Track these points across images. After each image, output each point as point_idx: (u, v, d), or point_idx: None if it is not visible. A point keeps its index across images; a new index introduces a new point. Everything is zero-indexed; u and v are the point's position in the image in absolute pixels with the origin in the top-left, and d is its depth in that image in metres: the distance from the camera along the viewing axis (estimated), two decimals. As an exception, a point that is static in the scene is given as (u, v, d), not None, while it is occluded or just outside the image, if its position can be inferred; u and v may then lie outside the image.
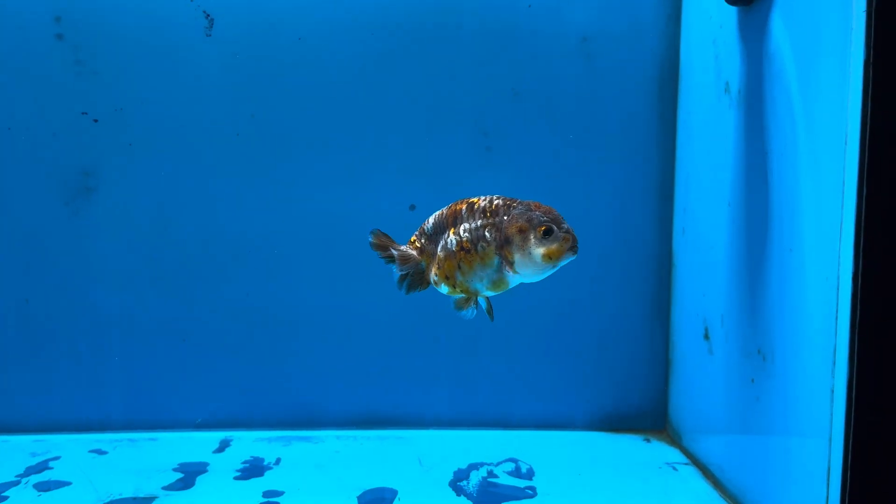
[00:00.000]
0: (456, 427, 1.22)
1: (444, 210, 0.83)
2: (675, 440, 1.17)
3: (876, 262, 0.66)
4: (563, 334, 1.23)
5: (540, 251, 0.75)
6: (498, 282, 0.79)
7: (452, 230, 0.81)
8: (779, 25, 0.84)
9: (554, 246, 0.75)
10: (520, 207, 0.78)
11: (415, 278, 0.85)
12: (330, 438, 1.18)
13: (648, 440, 1.19)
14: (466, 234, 0.79)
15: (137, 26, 1.16)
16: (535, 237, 0.76)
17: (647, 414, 1.23)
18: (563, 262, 0.76)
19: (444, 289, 0.83)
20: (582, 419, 1.23)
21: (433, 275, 0.83)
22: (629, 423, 1.23)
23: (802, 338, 0.76)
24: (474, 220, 0.79)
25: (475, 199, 0.81)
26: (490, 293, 0.81)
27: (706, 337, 1.04)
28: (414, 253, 0.85)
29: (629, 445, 1.17)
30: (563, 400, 1.23)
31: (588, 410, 1.24)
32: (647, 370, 1.23)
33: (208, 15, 1.17)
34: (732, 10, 0.95)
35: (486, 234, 0.78)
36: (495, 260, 0.78)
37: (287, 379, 1.22)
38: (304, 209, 1.20)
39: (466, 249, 0.79)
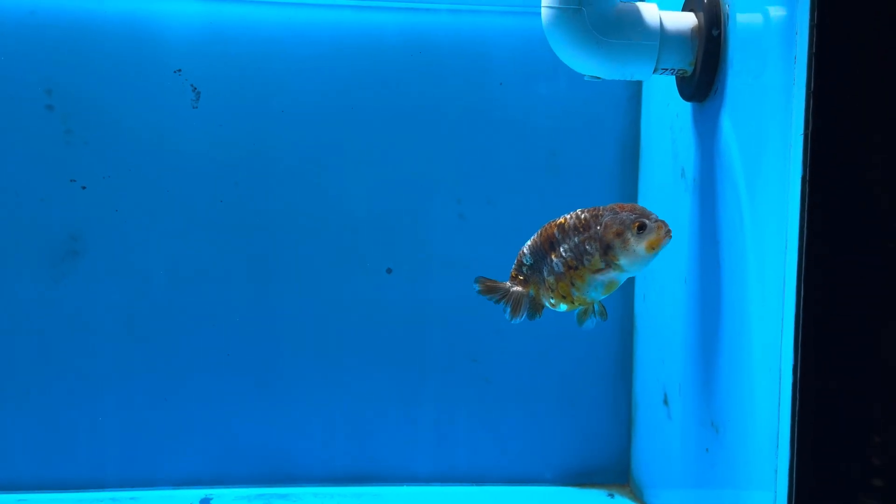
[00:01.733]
0: (431, 483, 1.27)
1: (536, 238, 0.91)
2: (636, 496, 1.24)
3: (812, 358, 0.73)
4: (532, 390, 1.29)
5: (642, 246, 0.84)
6: (610, 284, 0.88)
7: (553, 254, 0.88)
8: (727, 126, 0.91)
9: (652, 236, 0.84)
10: (607, 214, 0.86)
11: (531, 306, 0.93)
12: (308, 496, 1.22)
13: (612, 495, 1.25)
14: (569, 253, 0.87)
15: (126, 98, 1.21)
16: (632, 236, 0.84)
17: (611, 469, 1.29)
18: (663, 247, 0.85)
19: (562, 307, 0.90)
20: (550, 474, 1.29)
21: (550, 298, 0.90)
22: (594, 479, 1.29)
23: (749, 419, 0.83)
24: (570, 238, 0.87)
25: (561, 220, 0.89)
26: (604, 296, 0.89)
27: (665, 402, 1.11)
28: (520, 288, 0.92)
29: (594, 500, 1.23)
30: (532, 455, 1.29)
31: (556, 465, 1.30)
32: (611, 427, 1.29)
33: (195, 88, 1.22)
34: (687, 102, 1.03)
35: (587, 247, 0.86)
36: (602, 266, 0.85)
37: (266, 435, 1.26)
38: (285, 273, 1.25)
39: (574, 267, 0.87)
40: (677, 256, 1.07)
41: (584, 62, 0.93)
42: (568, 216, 0.88)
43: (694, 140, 1.02)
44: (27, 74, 1.19)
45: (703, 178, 0.99)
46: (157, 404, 1.24)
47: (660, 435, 1.14)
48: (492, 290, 0.93)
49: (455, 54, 1.25)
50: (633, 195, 1.26)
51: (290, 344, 1.25)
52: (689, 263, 1.03)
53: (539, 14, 0.93)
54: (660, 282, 1.16)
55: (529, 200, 1.27)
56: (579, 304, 0.89)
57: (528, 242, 0.91)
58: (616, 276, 0.87)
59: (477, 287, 0.93)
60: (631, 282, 1.27)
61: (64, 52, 1.19)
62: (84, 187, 1.22)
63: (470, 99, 1.26)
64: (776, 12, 0.79)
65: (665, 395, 1.11)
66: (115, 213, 1.22)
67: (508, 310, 0.92)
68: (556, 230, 0.88)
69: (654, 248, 0.84)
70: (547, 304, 0.91)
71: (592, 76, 0.96)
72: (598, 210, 0.87)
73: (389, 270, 1.27)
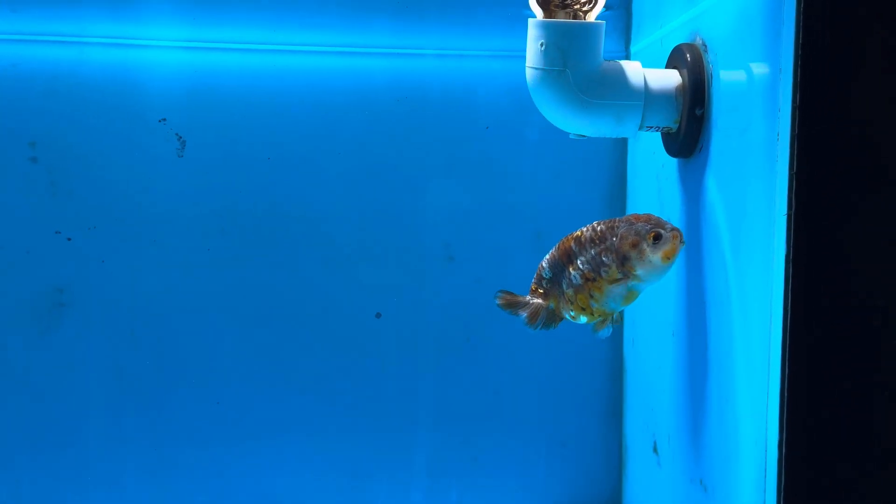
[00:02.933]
0: (422, 529, 1.27)
1: (554, 251, 0.92)
2: (628, 539, 1.24)
3: (800, 429, 0.73)
4: (524, 431, 1.29)
5: (658, 256, 0.85)
6: (629, 296, 0.88)
7: (571, 266, 0.89)
8: (712, 184, 0.92)
9: (667, 247, 0.85)
10: (623, 225, 0.87)
11: (546, 319, 0.94)
12: (299, 546, 1.22)
13: (604, 538, 1.25)
14: (586, 265, 0.88)
15: (111, 148, 1.21)
16: (648, 246, 0.85)
17: (603, 510, 1.30)
18: (677, 255, 0.86)
19: (582, 319, 0.91)
20: (542, 515, 1.30)
21: (570, 311, 0.91)
22: (586, 520, 1.30)
23: (736, 483, 0.83)
24: (587, 251, 0.88)
25: (577, 233, 0.90)
26: (623, 307, 0.90)
27: (655, 451, 1.12)
28: (539, 301, 0.93)
29: (586, 544, 1.23)
30: (524, 496, 1.29)
31: (548, 505, 1.30)
32: (602, 468, 1.30)
33: (180, 137, 1.22)
34: (673, 155, 1.03)
35: (604, 259, 0.87)
36: (620, 277, 0.86)
37: (262, 484, 1.26)
38: (274, 320, 1.25)
39: (592, 279, 0.88)
40: (665, 308, 1.07)
41: (569, 122, 0.93)
42: (585, 229, 0.89)
43: (680, 193, 1.02)
44: (10, 127, 1.19)
45: (690, 231, 0.99)
46: (148, 457, 1.23)
47: (650, 481, 1.14)
48: (512, 304, 0.94)
49: (442, 98, 1.25)
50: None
51: (281, 392, 1.25)
52: (677, 317, 1.03)
53: (524, 57, 0.93)
54: (648, 330, 1.16)
55: (517, 240, 1.27)
56: (599, 316, 0.90)
57: (547, 256, 0.93)
58: (634, 287, 0.88)
59: (498, 300, 0.94)
60: (619, 326, 1.27)
61: (47, 103, 1.19)
62: (69, 239, 1.21)
63: (456, 142, 1.26)
64: (759, 70, 0.79)
65: (654, 444, 1.12)
66: (101, 264, 1.22)
67: (524, 316, 0.93)
68: (573, 243, 0.89)
69: (669, 258, 0.85)
70: (567, 317, 0.92)
71: (578, 134, 0.96)
72: (614, 222, 0.88)
73: (378, 315, 1.26)
